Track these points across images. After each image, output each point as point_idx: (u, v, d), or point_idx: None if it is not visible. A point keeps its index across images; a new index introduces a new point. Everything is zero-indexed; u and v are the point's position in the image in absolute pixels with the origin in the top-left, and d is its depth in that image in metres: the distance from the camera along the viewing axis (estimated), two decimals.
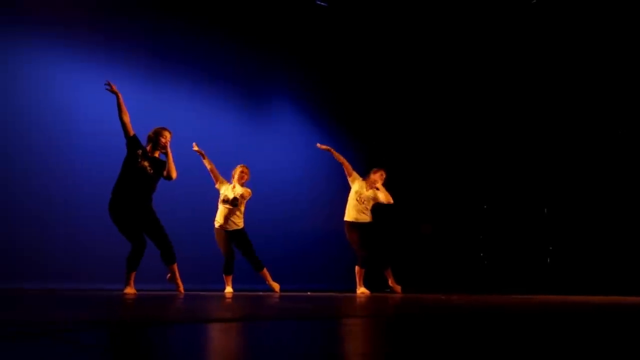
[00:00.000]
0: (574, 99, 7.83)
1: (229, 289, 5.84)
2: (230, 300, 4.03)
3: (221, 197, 5.87)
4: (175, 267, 5.09)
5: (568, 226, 7.77)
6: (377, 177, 6.23)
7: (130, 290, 4.82)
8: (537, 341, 1.57)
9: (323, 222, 8.20)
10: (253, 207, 7.67)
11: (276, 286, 5.99)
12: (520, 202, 8.21)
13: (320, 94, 8.76)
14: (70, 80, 6.28)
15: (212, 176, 5.95)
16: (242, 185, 5.91)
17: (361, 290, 6.11)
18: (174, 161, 4.99)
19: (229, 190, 5.86)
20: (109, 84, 4.80)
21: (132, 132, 4.90)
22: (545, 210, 8.01)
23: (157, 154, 5.00)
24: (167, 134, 5.00)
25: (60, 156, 6.08)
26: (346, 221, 6.19)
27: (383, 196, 6.18)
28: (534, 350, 1.41)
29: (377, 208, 6.35)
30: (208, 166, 5.92)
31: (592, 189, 7.61)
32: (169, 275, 5.14)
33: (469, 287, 7.73)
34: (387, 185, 6.39)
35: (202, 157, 5.90)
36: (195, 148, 5.81)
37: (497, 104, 8.49)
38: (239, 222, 5.86)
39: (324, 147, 6.31)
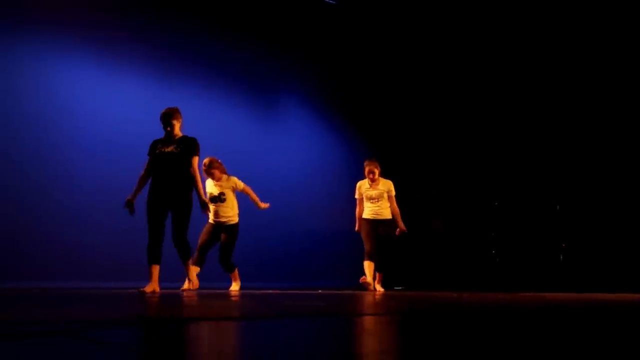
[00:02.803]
0: (587, 94, 7.75)
1: (187, 284, 5.32)
2: (240, 298, 4.02)
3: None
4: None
5: (581, 223, 7.69)
6: (366, 173, 6.14)
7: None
8: (547, 339, 1.53)
9: (333, 219, 8.18)
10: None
11: (236, 286, 5.65)
12: (532, 199, 8.13)
13: (330, 92, 8.74)
14: (71, 78, 6.23)
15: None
16: (219, 178, 5.63)
17: (364, 278, 6.01)
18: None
19: (212, 185, 5.65)
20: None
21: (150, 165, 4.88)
22: (558, 207, 7.94)
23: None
24: None
25: (60, 155, 6.02)
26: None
27: (384, 187, 6.09)
28: (545, 348, 1.37)
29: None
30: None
31: (604, 185, 7.53)
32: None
33: (480, 285, 7.67)
34: (397, 181, 6.34)
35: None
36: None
37: (509, 99, 8.41)
38: (230, 215, 5.64)
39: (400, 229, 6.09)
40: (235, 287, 5.70)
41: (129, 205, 4.73)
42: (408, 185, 8.35)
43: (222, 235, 5.60)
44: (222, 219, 5.58)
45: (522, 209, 8.21)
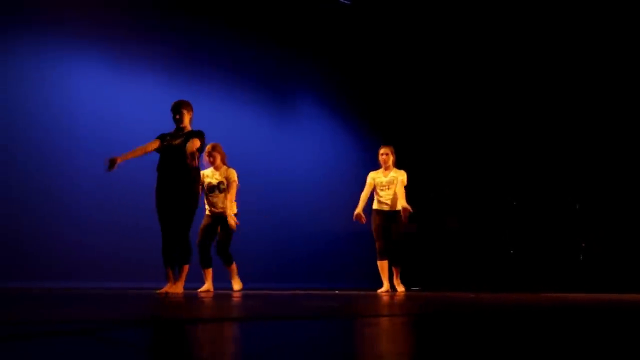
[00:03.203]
0: (606, 93, 7.62)
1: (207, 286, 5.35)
2: (254, 298, 4.01)
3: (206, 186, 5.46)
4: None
5: (601, 222, 7.57)
6: (379, 155, 6.01)
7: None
8: (568, 341, 1.50)
9: (348, 219, 8.15)
10: (279, 205, 7.66)
11: (238, 284, 5.49)
12: (551, 198, 8.03)
13: (345, 92, 8.72)
14: (74, 78, 6.21)
15: None
16: (219, 167, 5.45)
17: (384, 288, 5.85)
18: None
19: (211, 174, 5.50)
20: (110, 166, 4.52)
21: (155, 146, 4.77)
22: (577, 205, 7.82)
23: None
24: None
25: (64, 154, 6.03)
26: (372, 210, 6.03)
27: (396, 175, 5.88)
28: (565, 349, 1.34)
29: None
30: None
31: (624, 183, 7.40)
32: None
33: (498, 285, 7.59)
34: (413, 179, 6.25)
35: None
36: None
37: (527, 97, 8.32)
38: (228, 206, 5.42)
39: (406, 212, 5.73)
40: (237, 286, 5.48)
41: (112, 161, 4.48)
42: (423, 183, 8.30)
43: (219, 227, 5.43)
44: (220, 210, 5.42)
45: (540, 208, 8.11)
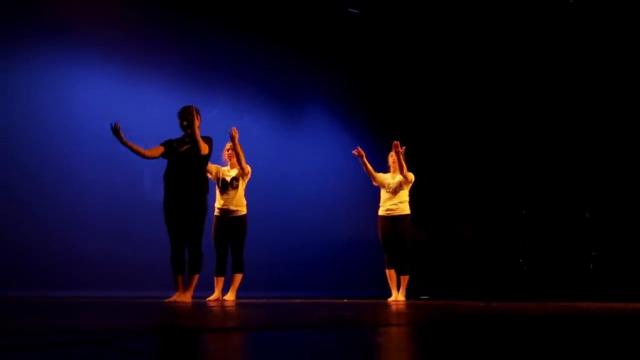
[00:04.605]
0: (617, 101, 7.59)
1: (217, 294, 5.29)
2: (264, 307, 4.02)
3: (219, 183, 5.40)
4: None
5: (611, 230, 7.53)
6: (390, 162, 6.02)
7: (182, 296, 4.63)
8: (577, 350, 1.50)
9: (358, 227, 8.13)
10: (286, 212, 7.64)
11: (233, 297, 5.31)
12: (561, 207, 7.99)
13: (354, 99, 8.73)
14: (71, 81, 6.22)
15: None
16: (234, 165, 5.40)
17: (392, 297, 5.85)
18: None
19: (227, 171, 5.45)
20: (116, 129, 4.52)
21: (157, 153, 4.72)
22: (587, 214, 7.78)
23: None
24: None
25: (64, 158, 6.03)
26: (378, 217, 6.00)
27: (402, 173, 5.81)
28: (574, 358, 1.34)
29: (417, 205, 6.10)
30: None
31: (635, 191, 7.36)
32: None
33: (508, 294, 7.55)
34: (424, 188, 6.23)
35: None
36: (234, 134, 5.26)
37: (537, 105, 8.30)
38: (240, 205, 5.39)
39: (358, 153, 5.85)
40: (231, 297, 5.34)
41: (116, 130, 4.45)
42: (434, 192, 8.28)
43: (232, 230, 5.33)
44: (232, 207, 5.33)
45: (550, 217, 8.07)
